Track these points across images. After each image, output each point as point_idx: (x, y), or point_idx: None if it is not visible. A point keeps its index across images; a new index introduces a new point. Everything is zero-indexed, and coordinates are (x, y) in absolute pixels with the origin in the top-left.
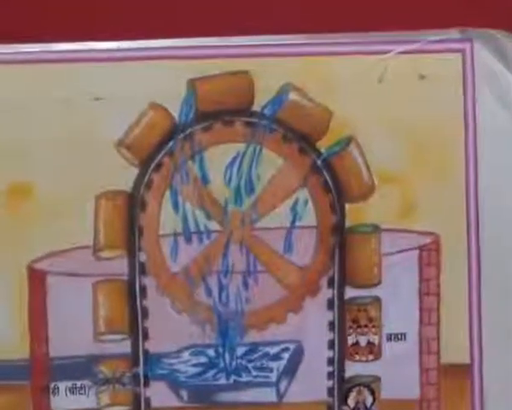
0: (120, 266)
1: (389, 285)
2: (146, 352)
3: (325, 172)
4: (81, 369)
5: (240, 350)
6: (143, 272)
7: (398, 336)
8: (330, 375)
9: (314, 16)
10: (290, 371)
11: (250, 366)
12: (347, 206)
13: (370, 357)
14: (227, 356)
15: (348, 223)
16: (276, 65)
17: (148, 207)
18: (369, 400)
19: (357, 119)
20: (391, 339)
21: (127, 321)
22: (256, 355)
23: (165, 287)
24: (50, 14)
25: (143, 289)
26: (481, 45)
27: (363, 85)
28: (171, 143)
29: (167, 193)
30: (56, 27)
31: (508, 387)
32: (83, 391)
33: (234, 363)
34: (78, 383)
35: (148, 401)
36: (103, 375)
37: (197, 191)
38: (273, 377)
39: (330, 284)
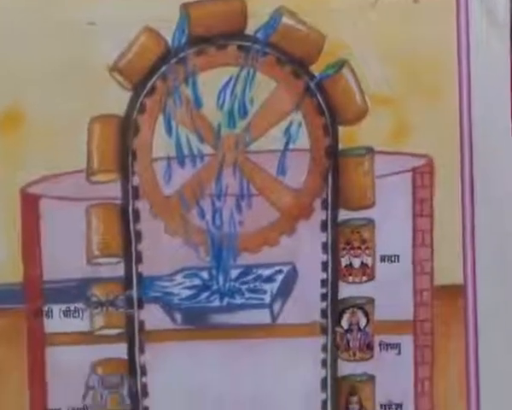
0: (114, 190)
1: (382, 207)
2: (139, 275)
3: (318, 95)
4: (75, 292)
5: (233, 272)
6: (136, 195)
7: (392, 258)
8: (324, 296)
9: None
10: (284, 293)
11: (244, 288)
12: (341, 129)
13: (364, 278)
14: (220, 278)
15: (341, 145)
16: None
17: (141, 131)
18: (363, 321)
19: (350, 42)
20: (384, 260)
21: (121, 244)
22: (249, 277)
23: (159, 210)
24: None
25: (137, 213)
26: None
27: (357, 9)
28: (164, 68)
29: (160, 117)
30: None
31: (501, 307)
32: (77, 314)
33: (227, 285)
34: (72, 307)
35: (141, 323)
36: (97, 298)
37: (190, 115)
38: (267, 298)
39: (324, 206)
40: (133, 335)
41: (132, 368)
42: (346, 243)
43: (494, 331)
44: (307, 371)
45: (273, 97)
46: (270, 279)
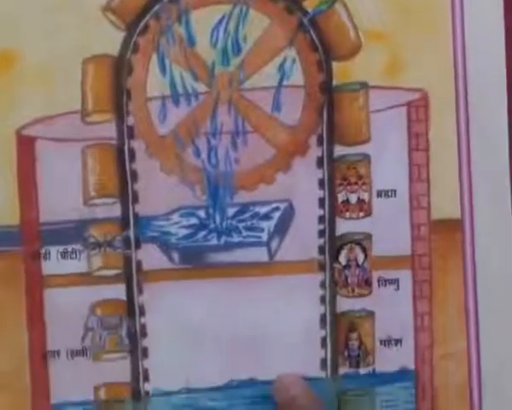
0: (109, 130)
1: (378, 142)
2: (136, 215)
3: (312, 31)
4: (72, 233)
5: (230, 211)
6: (132, 135)
7: (389, 193)
8: (321, 233)
9: None
10: (281, 230)
11: (241, 226)
12: (334, 64)
13: (361, 214)
14: (217, 217)
15: (336, 81)
16: None
17: (135, 70)
18: (361, 257)
19: None
20: (381, 196)
21: (117, 185)
22: (246, 215)
23: (154, 150)
24: None
25: (132, 153)
26: None
27: None
28: (157, 6)
29: (154, 56)
30: None
31: (498, 240)
32: (74, 255)
33: (224, 224)
34: (70, 248)
35: (139, 263)
36: (94, 239)
37: (184, 53)
38: (264, 236)
39: (319, 142)
40: (131, 275)
41: (131, 309)
42: (342, 178)
43: (492, 264)
44: (306, 308)
45: (266, 34)
46: (267, 217)
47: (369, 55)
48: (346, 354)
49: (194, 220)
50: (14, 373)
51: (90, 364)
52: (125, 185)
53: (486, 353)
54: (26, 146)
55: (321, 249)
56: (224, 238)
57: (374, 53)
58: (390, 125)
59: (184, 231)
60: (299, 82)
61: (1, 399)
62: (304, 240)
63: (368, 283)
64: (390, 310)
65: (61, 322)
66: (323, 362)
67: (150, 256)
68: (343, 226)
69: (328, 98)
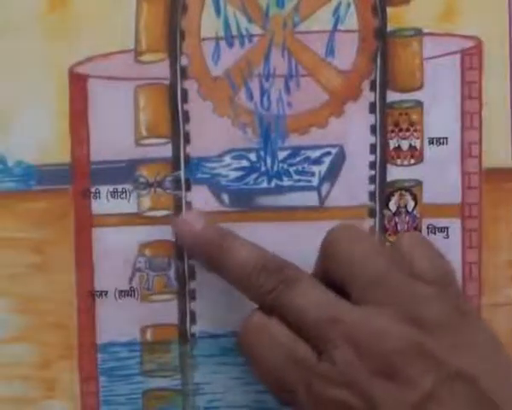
0: (162, 70)
1: (431, 89)
2: (187, 156)
3: None
4: (122, 173)
5: (281, 154)
6: (185, 76)
7: (440, 141)
8: (372, 179)
9: None
10: (332, 175)
11: (291, 169)
12: (389, 9)
13: (412, 161)
14: (268, 160)
15: (390, 27)
16: None
17: (190, 9)
18: (411, 204)
19: None
20: (433, 143)
21: (168, 125)
22: (298, 159)
23: (207, 91)
24: None
25: (185, 93)
26: None
27: None
28: None
29: None
30: None
31: None
32: (124, 195)
33: (275, 167)
34: (120, 187)
35: (189, 204)
36: (144, 179)
37: None
38: (315, 181)
39: (372, 87)
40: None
41: (179, 250)
42: (394, 125)
43: None
44: None
45: None
46: (317, 161)
47: (423, 1)
48: None
49: (245, 163)
50: (62, 312)
51: (137, 304)
52: (176, 126)
53: None
54: (78, 84)
55: (371, 195)
56: (274, 182)
57: None
58: (443, 73)
59: (235, 174)
60: (353, 27)
61: (48, 337)
62: (354, 186)
63: (417, 230)
64: None
65: (109, 262)
66: None
67: (200, 198)
68: (394, 173)
69: (382, 44)
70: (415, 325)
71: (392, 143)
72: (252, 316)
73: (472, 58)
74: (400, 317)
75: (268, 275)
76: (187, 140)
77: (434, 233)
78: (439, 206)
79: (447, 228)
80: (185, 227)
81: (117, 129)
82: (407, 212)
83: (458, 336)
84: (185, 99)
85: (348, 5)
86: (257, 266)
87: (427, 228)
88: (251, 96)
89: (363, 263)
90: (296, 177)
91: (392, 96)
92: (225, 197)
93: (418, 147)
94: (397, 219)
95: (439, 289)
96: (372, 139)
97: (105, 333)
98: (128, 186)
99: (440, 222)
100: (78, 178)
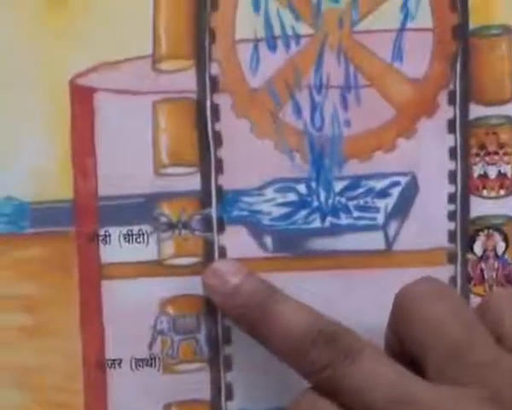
0: (187, 80)
1: None
2: (219, 188)
3: None
4: (138, 211)
5: (338, 185)
6: (216, 88)
7: None
8: (452, 215)
9: None
10: (401, 210)
11: (351, 204)
12: (471, 2)
13: (502, 192)
14: (322, 193)
15: (473, 24)
16: None
17: (221, 4)
18: (501, 246)
19: None
20: None
21: (196, 150)
22: (358, 192)
23: (244, 106)
24: None
25: (216, 110)
26: None
27: None
28: None
29: None
30: None
31: None
32: (141, 239)
33: (330, 201)
34: (135, 229)
35: (222, 250)
36: (166, 218)
37: None
38: (380, 218)
39: (451, 100)
40: None
41: (211, 308)
42: (479, 147)
43: None
44: None
45: None
46: (383, 193)
47: None
48: None
49: (292, 197)
50: (64, 388)
51: (158, 376)
52: (206, 151)
53: None
54: (82, 98)
55: (451, 236)
56: (329, 220)
57: None
58: None
59: (280, 211)
60: (426, 24)
61: None
62: (430, 224)
63: (509, 279)
64: None
65: (124, 323)
66: None
67: (237, 241)
68: (479, 207)
69: (463, 45)
70: None
71: (477, 170)
72: (302, 398)
73: None
74: (485, 400)
75: (322, 346)
76: (219, 169)
77: None
78: None
79: None
80: (218, 280)
81: (131, 155)
82: (496, 256)
83: None
84: (216, 117)
85: None
86: (308, 335)
87: None
88: (299, 113)
89: (440, 330)
90: (356, 214)
91: (475, 111)
92: (268, 241)
93: (509, 174)
94: (483, 266)
95: None
96: (451, 165)
97: None
98: (146, 227)
99: None
100: (82, 217)
